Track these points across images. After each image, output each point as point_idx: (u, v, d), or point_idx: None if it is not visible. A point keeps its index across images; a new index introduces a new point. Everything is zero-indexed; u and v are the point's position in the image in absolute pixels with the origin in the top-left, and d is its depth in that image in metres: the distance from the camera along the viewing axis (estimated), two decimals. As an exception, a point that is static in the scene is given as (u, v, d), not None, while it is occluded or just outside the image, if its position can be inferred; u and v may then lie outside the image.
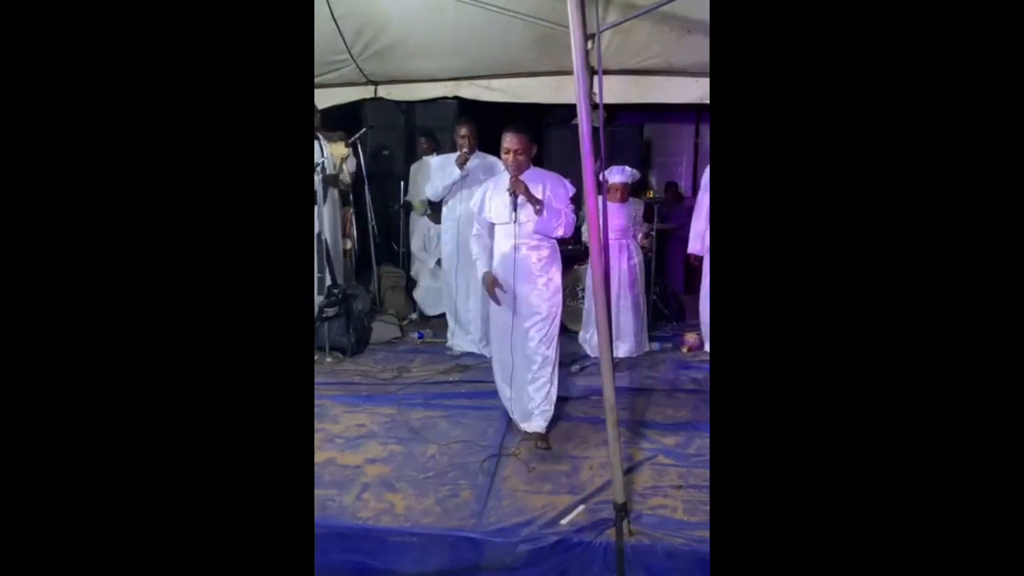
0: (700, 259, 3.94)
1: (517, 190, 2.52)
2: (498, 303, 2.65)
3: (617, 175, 3.82)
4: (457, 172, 3.62)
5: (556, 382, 2.68)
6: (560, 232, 2.58)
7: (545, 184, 2.59)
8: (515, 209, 2.54)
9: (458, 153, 3.62)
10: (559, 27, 3.27)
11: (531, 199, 2.52)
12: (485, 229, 2.72)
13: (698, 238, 3.92)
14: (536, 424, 2.67)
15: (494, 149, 3.85)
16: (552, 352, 2.64)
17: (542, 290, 2.62)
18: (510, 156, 2.55)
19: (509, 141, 2.56)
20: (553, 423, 2.88)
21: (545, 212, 2.54)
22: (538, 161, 4.20)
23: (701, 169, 6.91)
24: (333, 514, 2.14)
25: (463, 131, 3.61)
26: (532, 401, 2.66)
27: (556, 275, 2.68)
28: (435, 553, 2.03)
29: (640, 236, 4.04)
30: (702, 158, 6.90)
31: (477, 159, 3.68)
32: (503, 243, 2.67)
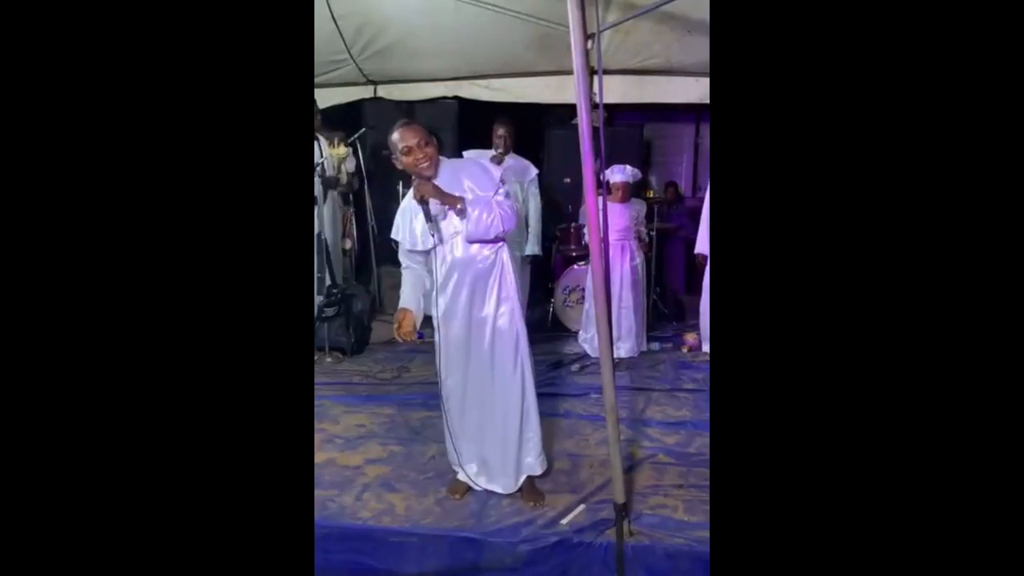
0: (707, 259, 3.90)
1: (425, 193, 1.95)
2: (413, 339, 2.10)
3: (618, 174, 3.82)
4: None
5: (536, 410, 2.23)
6: (499, 228, 2.01)
7: (462, 177, 2.06)
8: (430, 219, 1.98)
9: (492, 152, 3.64)
10: (559, 27, 3.28)
11: (446, 199, 1.99)
12: (414, 261, 2.19)
13: (707, 238, 3.86)
14: (530, 468, 2.25)
15: (519, 151, 3.90)
16: (530, 378, 2.20)
17: (499, 303, 2.13)
18: (410, 157, 2.00)
19: (401, 136, 2.00)
20: (552, 421, 2.89)
21: (471, 210, 1.99)
22: (536, 161, 4.22)
23: (701, 169, 6.94)
24: (333, 514, 2.14)
25: (500, 131, 3.69)
26: (524, 449, 2.21)
27: (511, 288, 2.15)
28: (435, 553, 2.03)
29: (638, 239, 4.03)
30: (702, 158, 6.91)
31: (512, 160, 3.72)
32: (441, 271, 2.12)
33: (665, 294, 4.94)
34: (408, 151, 2.01)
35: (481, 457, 2.25)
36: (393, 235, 2.21)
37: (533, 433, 2.22)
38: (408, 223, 2.14)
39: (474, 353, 2.16)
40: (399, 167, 2.07)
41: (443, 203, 2.01)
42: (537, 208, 4.05)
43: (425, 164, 2.02)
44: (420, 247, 2.13)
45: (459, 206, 2.00)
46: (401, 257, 2.22)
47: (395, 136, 2.04)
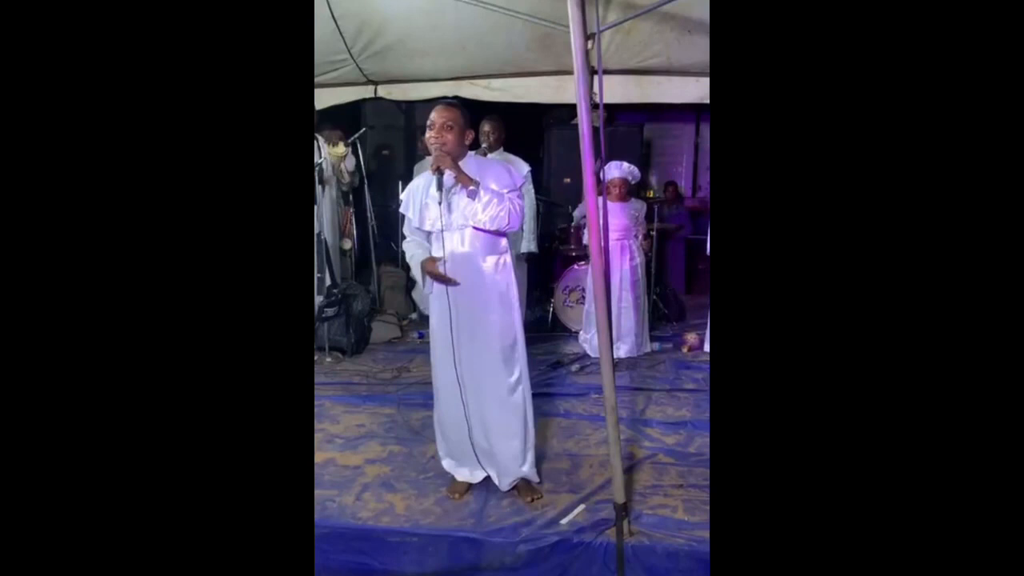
0: None
1: (442, 165, 2.00)
2: (453, 283, 2.09)
3: (615, 171, 3.80)
4: None
5: (532, 419, 2.23)
6: (504, 222, 2.04)
7: (485, 174, 2.09)
8: (441, 189, 2.02)
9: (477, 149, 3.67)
10: (559, 27, 3.28)
11: (463, 178, 2.03)
12: (418, 237, 2.23)
13: None
14: (527, 471, 2.23)
15: (510, 148, 3.91)
16: (526, 384, 2.19)
17: (496, 307, 2.13)
18: (434, 132, 2.05)
19: (434, 114, 2.06)
20: (552, 421, 2.89)
21: (483, 194, 2.03)
22: (536, 161, 4.22)
23: (701, 169, 6.95)
24: (333, 514, 2.14)
25: (486, 127, 3.75)
26: (511, 449, 2.20)
27: (511, 288, 2.16)
28: (435, 553, 2.03)
29: (640, 238, 4.03)
30: (702, 158, 6.91)
31: (498, 156, 3.74)
32: (440, 252, 2.14)
33: (665, 294, 4.94)
34: (431, 126, 2.07)
35: (474, 459, 2.25)
36: (402, 209, 2.24)
37: (530, 439, 2.23)
38: (419, 202, 2.16)
39: (472, 355, 2.15)
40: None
41: (457, 179, 2.04)
42: (532, 206, 4.05)
43: (437, 146, 2.04)
44: (426, 228, 2.15)
45: (471, 187, 2.03)
46: (406, 231, 2.26)
47: (432, 111, 2.09)
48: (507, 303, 2.15)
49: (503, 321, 2.14)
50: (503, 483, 2.24)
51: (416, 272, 2.22)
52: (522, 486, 2.25)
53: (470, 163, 2.11)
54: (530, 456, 2.23)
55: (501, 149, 3.84)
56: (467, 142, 2.13)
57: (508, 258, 2.17)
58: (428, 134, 2.07)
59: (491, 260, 2.13)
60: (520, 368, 2.18)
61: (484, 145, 3.79)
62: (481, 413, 2.19)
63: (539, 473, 2.32)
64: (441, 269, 2.11)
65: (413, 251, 2.22)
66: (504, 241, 2.17)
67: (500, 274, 2.15)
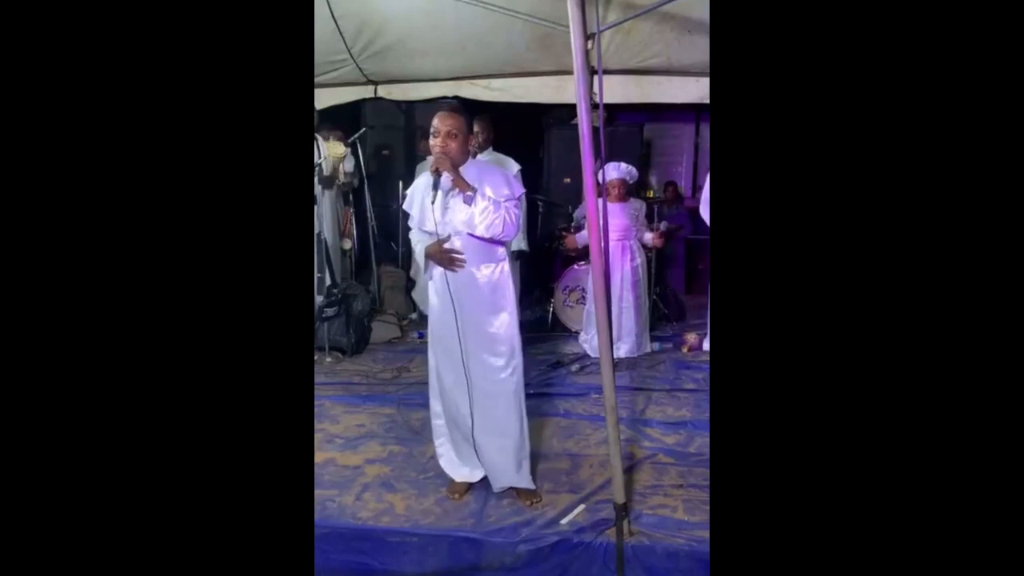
0: None
1: (441, 167, 2.00)
2: (460, 258, 2.09)
3: (612, 172, 3.80)
4: None
5: (527, 426, 2.23)
6: (498, 230, 2.01)
7: (484, 179, 2.08)
8: (437, 189, 2.02)
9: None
10: (559, 27, 3.28)
11: (460, 183, 2.01)
12: (422, 235, 2.23)
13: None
14: (521, 479, 2.24)
15: (503, 148, 3.91)
16: (520, 391, 2.19)
17: (493, 315, 2.13)
18: (439, 139, 2.04)
19: (438, 121, 2.05)
20: (552, 421, 2.89)
21: (479, 200, 2.01)
22: (536, 161, 4.21)
23: (701, 169, 6.95)
24: (333, 514, 2.14)
25: (475, 127, 3.72)
26: (503, 451, 2.19)
27: (509, 296, 2.16)
28: (435, 553, 2.03)
29: (653, 237, 4.02)
30: (702, 158, 6.91)
31: (488, 156, 3.73)
32: (437, 270, 2.15)
33: (665, 294, 4.94)
34: (435, 134, 2.06)
35: (474, 457, 2.25)
36: (405, 207, 2.25)
37: (525, 445, 2.22)
38: (420, 201, 2.16)
39: (469, 357, 2.15)
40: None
41: (454, 183, 2.03)
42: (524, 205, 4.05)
43: (440, 153, 2.03)
44: (426, 228, 2.15)
45: (468, 192, 2.01)
46: (411, 223, 2.27)
47: (435, 117, 2.08)
48: (504, 311, 2.15)
49: (500, 328, 2.14)
50: (495, 484, 2.25)
51: (420, 258, 2.21)
52: (520, 490, 2.25)
53: (470, 169, 2.10)
54: (525, 464, 2.22)
55: (491, 148, 3.84)
56: (469, 148, 2.13)
57: (506, 266, 2.17)
58: (432, 141, 2.06)
59: (488, 268, 2.13)
60: (516, 374, 2.17)
61: (474, 147, 3.78)
62: (476, 414, 2.18)
63: (535, 475, 2.31)
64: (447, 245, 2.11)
65: (419, 238, 2.22)
66: (502, 250, 2.17)
67: (497, 282, 2.14)
